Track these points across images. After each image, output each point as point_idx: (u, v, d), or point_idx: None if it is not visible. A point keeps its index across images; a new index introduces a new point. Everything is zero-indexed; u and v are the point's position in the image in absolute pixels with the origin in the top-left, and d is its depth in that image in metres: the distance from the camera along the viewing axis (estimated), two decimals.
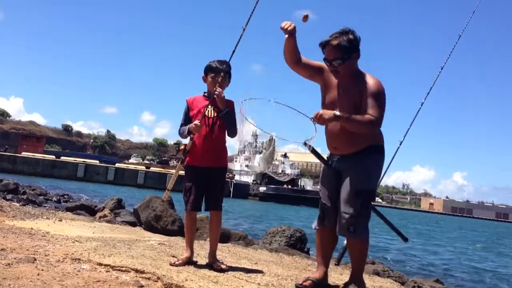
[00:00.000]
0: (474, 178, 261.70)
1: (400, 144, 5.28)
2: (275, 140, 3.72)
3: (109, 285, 3.04)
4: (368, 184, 3.51)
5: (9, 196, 11.97)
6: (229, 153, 4.53)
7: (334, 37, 3.42)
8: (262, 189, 64.56)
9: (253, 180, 72.52)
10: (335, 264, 5.16)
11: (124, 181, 51.14)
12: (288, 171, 74.98)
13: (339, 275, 4.51)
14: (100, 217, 8.71)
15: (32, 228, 5.29)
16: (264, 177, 70.05)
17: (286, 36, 3.47)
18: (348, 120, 3.31)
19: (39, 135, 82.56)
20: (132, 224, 8.04)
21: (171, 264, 3.75)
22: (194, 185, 3.94)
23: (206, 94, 4.05)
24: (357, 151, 3.50)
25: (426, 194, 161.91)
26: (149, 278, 3.32)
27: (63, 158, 55.79)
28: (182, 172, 4.06)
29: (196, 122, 3.85)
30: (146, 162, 76.47)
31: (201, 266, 3.85)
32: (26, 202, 11.15)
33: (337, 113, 3.30)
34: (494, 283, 10.82)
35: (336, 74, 3.50)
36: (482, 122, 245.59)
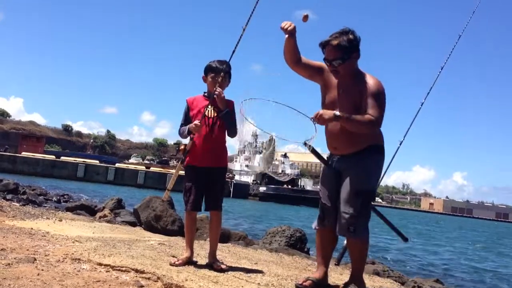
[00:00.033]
0: (474, 178, 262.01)
1: (400, 144, 5.28)
2: (275, 140, 3.73)
3: (109, 285, 3.04)
4: (368, 184, 3.51)
5: (9, 196, 11.97)
6: (229, 153, 4.53)
7: (334, 37, 3.42)
8: (262, 189, 64.56)
9: (253, 180, 72.52)
10: (335, 264, 5.16)
11: (124, 181, 51.15)
12: (288, 171, 75.00)
13: (339, 275, 4.51)
14: (100, 217, 8.71)
15: (32, 228, 5.29)
16: (264, 177, 70.06)
17: (286, 36, 3.47)
18: (348, 120, 3.31)
19: (39, 135, 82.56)
20: (132, 224, 8.04)
21: (171, 264, 3.75)
22: (194, 185, 3.94)
23: (206, 94, 4.06)
24: (357, 151, 3.50)
25: (426, 194, 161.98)
26: (149, 278, 3.32)
27: (63, 158, 55.80)
28: (182, 172, 4.06)
29: (196, 122, 3.85)
30: (146, 162, 76.49)
31: (201, 266, 3.85)
32: (26, 202, 11.15)
33: (337, 113, 3.30)
34: (494, 283, 10.82)
35: (336, 74, 3.50)
36: (482, 122, 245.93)
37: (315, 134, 3.40)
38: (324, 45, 3.47)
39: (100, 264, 3.53)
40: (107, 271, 3.40)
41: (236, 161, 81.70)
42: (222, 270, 3.75)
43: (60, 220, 6.69)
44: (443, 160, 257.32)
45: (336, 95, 3.53)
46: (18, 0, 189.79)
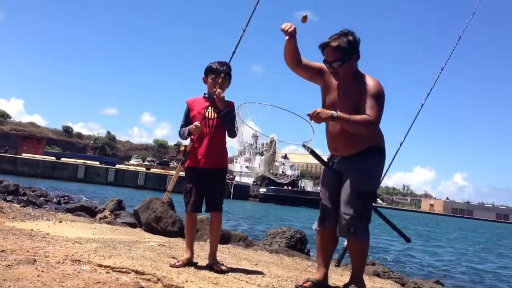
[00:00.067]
0: (474, 179, 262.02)
1: (401, 145, 5.29)
2: (276, 142, 3.73)
3: (109, 287, 3.03)
4: (369, 185, 3.51)
5: (9, 198, 11.99)
6: (230, 154, 4.53)
7: (333, 39, 3.43)
8: (263, 190, 64.59)
9: (253, 181, 72.50)
10: (335, 265, 5.16)
11: (125, 182, 51.21)
12: (288, 172, 74.93)
13: (339, 276, 4.51)
14: (100, 219, 8.71)
15: (32, 230, 5.29)
16: (264, 179, 70.04)
17: (287, 37, 3.48)
18: (344, 120, 3.31)
19: (39, 136, 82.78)
20: (132, 225, 8.05)
21: (171, 266, 3.75)
22: (195, 187, 3.94)
23: (206, 95, 4.06)
24: (357, 152, 3.50)
25: (426, 195, 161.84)
26: (149, 280, 3.32)
27: (63, 160, 55.87)
28: (182, 174, 4.06)
29: (197, 123, 3.86)
30: (147, 163, 76.54)
31: (201, 267, 3.85)
32: (26, 204, 11.15)
33: (334, 113, 3.29)
34: (494, 284, 10.81)
35: (336, 75, 3.50)
36: (482, 123, 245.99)
37: (313, 135, 3.40)
38: (323, 47, 3.48)
39: (100, 266, 3.53)
40: (107, 273, 3.39)
41: (236, 162, 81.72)
42: (222, 272, 3.75)
43: (60, 222, 6.69)
44: (443, 161, 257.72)
45: (336, 97, 3.54)
46: (18, 0, 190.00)
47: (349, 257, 3.84)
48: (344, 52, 3.40)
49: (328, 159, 3.76)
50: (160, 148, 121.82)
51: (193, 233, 4.17)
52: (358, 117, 3.29)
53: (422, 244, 19.38)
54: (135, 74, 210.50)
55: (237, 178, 71.69)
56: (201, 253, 4.52)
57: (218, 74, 3.93)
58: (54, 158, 56.11)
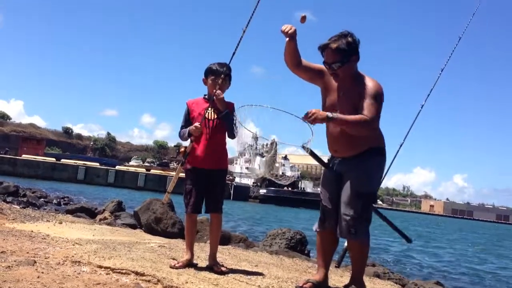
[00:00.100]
0: (474, 180, 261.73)
1: (401, 146, 5.28)
2: (277, 144, 3.73)
3: None
4: (369, 186, 3.51)
5: (9, 199, 12.00)
6: (230, 155, 4.53)
7: (333, 40, 3.43)
8: (263, 191, 64.57)
9: (253, 183, 72.47)
10: (336, 267, 5.15)
11: (125, 184, 51.20)
12: (289, 173, 74.94)
13: (339, 277, 4.51)
14: (100, 220, 8.72)
15: (32, 231, 5.29)
16: (264, 180, 70.01)
17: (287, 39, 3.48)
18: (340, 121, 3.31)
19: (39, 137, 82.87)
20: (132, 226, 8.05)
21: (171, 267, 3.75)
22: (195, 188, 3.94)
23: (206, 96, 4.06)
24: (358, 153, 3.50)
25: (426, 196, 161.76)
26: (149, 281, 3.32)
27: (63, 161, 55.89)
28: (182, 175, 4.06)
29: (197, 124, 3.86)
30: (147, 164, 76.46)
31: (201, 269, 3.85)
32: (26, 205, 11.16)
33: (330, 114, 3.28)
34: (494, 285, 10.82)
35: (336, 77, 3.50)
36: (483, 124, 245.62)
37: (312, 137, 3.40)
38: (323, 48, 3.48)
39: (100, 267, 3.53)
40: (107, 274, 3.39)
41: (236, 163, 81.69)
42: (222, 273, 3.75)
43: (60, 223, 6.69)
44: (443, 162, 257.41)
45: (337, 98, 3.54)
46: (18, 2, 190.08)
47: (349, 258, 3.83)
48: (343, 53, 3.40)
49: (328, 160, 3.76)
50: (160, 149, 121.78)
51: (193, 234, 4.17)
52: (353, 117, 3.29)
53: (422, 245, 19.39)
54: (135, 75, 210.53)
55: (237, 179, 71.70)
56: (201, 254, 4.52)
57: (218, 75, 3.93)
58: (54, 159, 56.13)
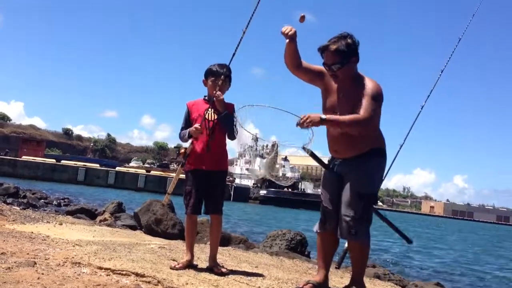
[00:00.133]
0: (474, 181, 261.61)
1: (401, 147, 5.28)
2: (278, 146, 3.73)
3: None
4: (370, 187, 3.51)
5: (9, 200, 12.02)
6: (230, 157, 4.53)
7: (332, 42, 3.43)
8: (263, 192, 64.55)
9: (253, 184, 72.45)
10: (336, 268, 5.15)
11: (125, 185, 51.24)
12: (289, 174, 74.92)
13: (339, 278, 4.51)
14: (100, 221, 8.72)
15: (32, 232, 5.29)
16: (264, 181, 69.99)
17: (287, 40, 3.48)
18: (334, 122, 3.31)
19: (40, 139, 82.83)
20: (133, 227, 8.05)
21: (171, 268, 3.75)
22: (194, 189, 3.94)
23: (206, 97, 4.07)
24: (358, 154, 3.50)
25: (426, 197, 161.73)
26: (149, 282, 3.31)
27: (63, 162, 55.94)
28: (182, 176, 4.06)
29: (197, 125, 3.86)
30: (147, 165, 76.58)
31: (201, 270, 3.84)
32: (26, 206, 11.17)
33: (323, 116, 3.27)
34: (494, 286, 10.82)
35: (336, 78, 3.50)
36: (483, 125, 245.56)
37: (312, 137, 3.40)
38: (322, 50, 3.48)
39: (101, 268, 3.53)
40: (107, 275, 3.39)
41: (236, 164, 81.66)
42: (222, 274, 3.75)
43: (61, 224, 6.69)
44: (443, 163, 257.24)
45: (337, 99, 3.54)
46: (18, 2, 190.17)
47: (349, 259, 3.83)
48: (343, 55, 3.40)
49: (329, 161, 3.76)
50: (160, 150, 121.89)
51: (193, 235, 4.17)
52: (347, 117, 3.29)
53: (422, 246, 19.37)
54: (135, 76, 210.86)
55: (237, 180, 71.68)
56: (201, 256, 4.52)
57: (218, 76, 3.93)
58: (54, 160, 56.19)
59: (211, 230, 4.13)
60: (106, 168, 56.69)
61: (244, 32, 3.93)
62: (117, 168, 59.03)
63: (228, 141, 4.06)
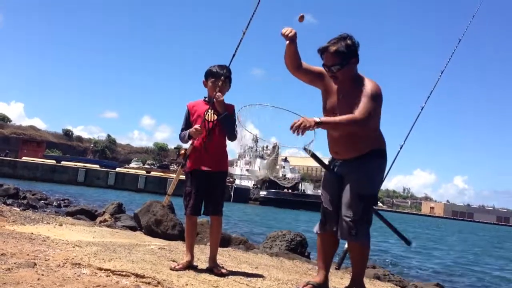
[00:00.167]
0: (474, 182, 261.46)
1: (401, 148, 5.29)
2: (279, 147, 3.74)
3: None
4: (370, 188, 3.51)
5: (9, 201, 12.01)
6: (230, 157, 4.54)
7: (332, 43, 3.44)
8: (263, 193, 64.55)
9: (253, 185, 72.45)
10: (336, 268, 5.16)
11: (125, 186, 51.25)
12: (289, 175, 74.94)
13: (339, 279, 4.51)
14: (100, 222, 8.72)
15: (32, 233, 5.29)
16: (264, 182, 70.01)
17: (287, 42, 3.48)
18: (330, 124, 3.31)
19: (40, 139, 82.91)
20: (133, 228, 8.05)
21: (171, 269, 3.75)
22: (194, 190, 3.94)
23: (206, 98, 4.07)
24: (358, 155, 3.50)
25: (426, 198, 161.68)
26: (149, 283, 3.31)
27: (63, 163, 55.97)
28: (182, 177, 4.07)
29: (196, 126, 3.86)
30: (147, 166, 76.48)
31: (201, 271, 3.85)
32: (26, 207, 11.17)
33: (317, 119, 3.24)
34: (494, 286, 10.81)
35: (335, 79, 3.50)
36: (483, 126, 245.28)
37: (313, 138, 3.40)
38: (322, 51, 3.48)
39: (100, 269, 3.53)
40: (107, 276, 3.39)
41: (236, 165, 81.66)
42: (222, 275, 3.75)
43: (61, 225, 6.69)
44: (443, 164, 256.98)
45: (336, 101, 3.54)
46: (18, 3, 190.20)
47: (349, 260, 3.83)
48: (342, 56, 3.40)
49: (329, 162, 3.76)
50: (160, 151, 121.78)
51: (193, 236, 4.17)
52: (344, 117, 3.28)
53: (422, 246, 19.36)
54: (135, 77, 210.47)
55: (237, 181, 71.67)
56: (201, 256, 4.52)
57: (218, 77, 3.93)
58: (54, 161, 56.22)
59: (211, 231, 4.13)
60: (106, 169, 56.69)
61: (244, 33, 3.94)
62: (117, 169, 59.03)
63: (228, 142, 4.07)
